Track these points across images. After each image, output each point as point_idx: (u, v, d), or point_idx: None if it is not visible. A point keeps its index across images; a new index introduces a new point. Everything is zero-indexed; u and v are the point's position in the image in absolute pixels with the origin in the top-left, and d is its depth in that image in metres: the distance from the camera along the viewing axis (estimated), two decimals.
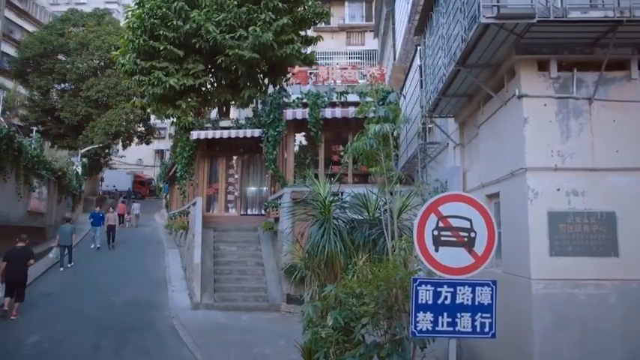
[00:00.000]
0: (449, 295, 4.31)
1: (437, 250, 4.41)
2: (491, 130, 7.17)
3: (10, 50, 36.32)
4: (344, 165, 15.28)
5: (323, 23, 23.68)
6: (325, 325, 6.42)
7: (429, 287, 4.31)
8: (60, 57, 34.29)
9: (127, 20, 19.39)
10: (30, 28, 39.10)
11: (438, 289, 4.31)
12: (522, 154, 5.83)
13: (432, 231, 4.42)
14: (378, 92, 6.52)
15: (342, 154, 15.11)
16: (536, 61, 5.92)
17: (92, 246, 20.39)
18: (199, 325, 11.84)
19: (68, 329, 10.82)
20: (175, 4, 17.61)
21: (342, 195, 8.35)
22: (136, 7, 19.04)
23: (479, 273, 4.50)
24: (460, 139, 9.05)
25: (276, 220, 15.55)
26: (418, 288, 4.30)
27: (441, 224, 4.43)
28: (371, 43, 28.77)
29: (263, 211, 17.59)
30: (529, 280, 5.57)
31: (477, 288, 4.32)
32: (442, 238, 4.42)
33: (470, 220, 4.43)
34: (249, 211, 18.74)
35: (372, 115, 6.64)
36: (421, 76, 9.98)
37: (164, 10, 17.70)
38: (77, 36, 33.70)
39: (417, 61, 10.29)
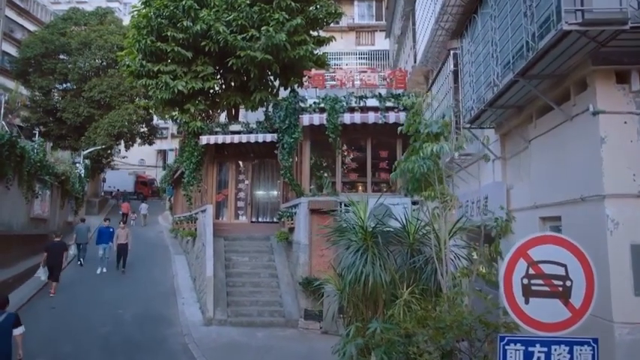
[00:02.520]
0: (542, 355, 3.63)
1: (527, 302, 3.72)
2: (548, 146, 6.46)
3: (11, 50, 35.59)
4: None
5: (333, 23, 22.87)
6: None
7: (518, 346, 3.63)
8: (62, 57, 33.64)
9: (133, 19, 18.63)
10: (31, 27, 38.31)
11: (530, 349, 3.63)
12: (599, 179, 5.13)
13: (522, 279, 3.72)
14: (425, 102, 5.79)
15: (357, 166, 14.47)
16: (614, 72, 5.22)
17: (98, 271, 16.99)
18: (214, 343, 11.25)
19: (74, 349, 10.21)
20: (184, 2, 16.86)
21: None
22: (142, 6, 18.31)
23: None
24: (501, 153, 8.37)
25: (291, 230, 14.86)
26: (506, 347, 3.62)
27: (531, 271, 3.73)
28: (381, 43, 27.96)
29: (275, 219, 16.92)
30: (611, 323, 4.88)
31: (574, 347, 3.64)
32: (533, 288, 3.73)
33: (565, 266, 3.74)
34: (260, 219, 18.09)
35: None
36: (455, 83, 9.30)
37: (172, 9, 16.95)
38: (79, 35, 33.00)
39: (450, 67, 9.58)
